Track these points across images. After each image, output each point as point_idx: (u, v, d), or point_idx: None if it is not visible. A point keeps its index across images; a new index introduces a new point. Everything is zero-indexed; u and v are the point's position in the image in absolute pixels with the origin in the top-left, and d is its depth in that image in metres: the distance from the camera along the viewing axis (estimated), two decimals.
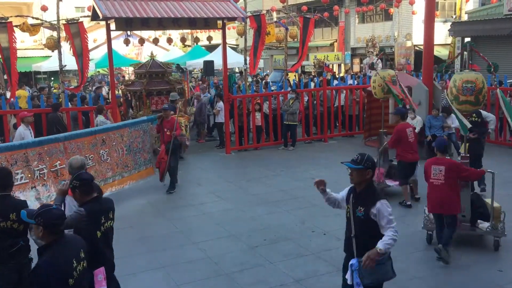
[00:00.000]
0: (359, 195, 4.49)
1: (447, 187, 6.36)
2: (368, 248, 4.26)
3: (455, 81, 7.25)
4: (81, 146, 8.69)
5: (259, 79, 21.41)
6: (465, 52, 22.66)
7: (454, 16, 26.41)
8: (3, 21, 11.95)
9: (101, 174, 9.04)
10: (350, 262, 4.43)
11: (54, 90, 19.95)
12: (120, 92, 17.31)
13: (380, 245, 4.20)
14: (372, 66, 11.22)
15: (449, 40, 25.18)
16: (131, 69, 33.45)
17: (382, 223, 4.33)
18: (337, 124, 15.87)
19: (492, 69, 9.58)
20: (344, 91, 15.50)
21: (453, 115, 12.13)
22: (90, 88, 21.65)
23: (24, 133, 10.21)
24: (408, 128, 8.88)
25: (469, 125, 7.25)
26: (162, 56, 24.86)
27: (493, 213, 6.78)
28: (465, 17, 24.48)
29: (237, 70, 22.43)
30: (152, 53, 14.33)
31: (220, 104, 14.01)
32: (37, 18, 14.37)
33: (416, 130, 11.94)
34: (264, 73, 28.50)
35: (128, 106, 15.05)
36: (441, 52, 26.33)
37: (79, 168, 5.23)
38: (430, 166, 6.53)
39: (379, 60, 22.09)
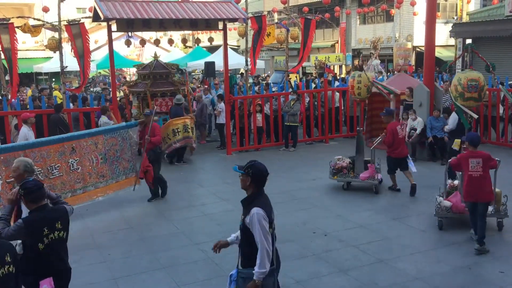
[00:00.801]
0: (243, 203, 4.36)
1: (485, 177, 6.90)
2: (250, 259, 4.13)
3: (460, 79, 7.80)
4: (45, 155, 8.00)
5: (259, 80, 21.42)
6: (465, 53, 22.70)
7: (455, 17, 26.42)
8: (5, 22, 11.97)
9: (69, 185, 8.38)
10: (231, 272, 4.33)
11: (55, 92, 19.93)
12: (122, 93, 17.33)
13: (255, 275, 4.01)
14: (361, 68, 11.13)
15: (451, 41, 25.19)
16: (132, 70, 33.59)
17: (254, 235, 4.08)
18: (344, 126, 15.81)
19: (490, 69, 9.77)
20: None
21: (454, 115, 12.19)
22: (91, 89, 21.65)
23: (28, 134, 10.23)
24: (397, 126, 9.59)
25: (475, 116, 8.21)
26: (163, 57, 24.80)
27: (495, 197, 7.29)
28: (466, 19, 24.47)
29: (242, 70, 22.43)
30: (155, 54, 14.11)
31: (221, 105, 14.01)
32: (38, 19, 14.39)
33: (417, 131, 11.97)
34: (265, 74, 28.51)
35: (121, 108, 14.76)
36: (442, 53, 26.34)
37: (25, 173, 5.02)
38: (467, 160, 6.93)
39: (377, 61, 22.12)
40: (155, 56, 13.88)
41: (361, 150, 10.02)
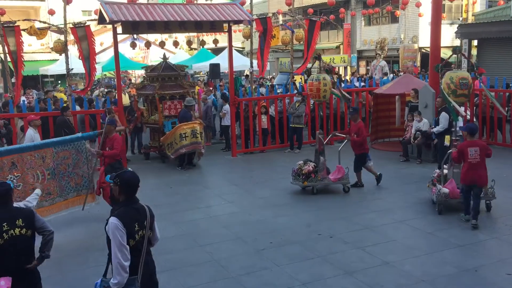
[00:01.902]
0: (111, 211, 4.32)
1: (482, 164, 7.79)
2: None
3: (452, 78, 8.54)
4: None
5: (262, 82, 21.40)
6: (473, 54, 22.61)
7: (460, 18, 26.34)
8: (11, 25, 12.04)
9: None
10: (96, 281, 4.28)
11: (60, 94, 20.01)
12: (126, 95, 17.35)
13: (111, 285, 4.02)
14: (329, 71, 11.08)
15: (456, 42, 25.09)
16: (137, 72, 33.69)
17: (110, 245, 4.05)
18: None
19: (474, 69, 10.33)
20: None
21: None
22: (96, 91, 21.75)
23: (34, 136, 10.28)
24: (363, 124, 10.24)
25: (463, 114, 8.95)
26: (169, 59, 24.90)
27: None
28: (472, 19, 24.40)
29: (247, 72, 22.47)
30: (164, 55, 13.71)
31: (226, 106, 14.02)
32: (44, 22, 14.46)
33: (435, 128, 11.97)
34: (270, 76, 28.51)
35: (131, 111, 14.66)
36: (447, 54, 26.20)
37: None
38: (466, 148, 7.75)
39: (384, 62, 22.09)
40: (164, 58, 13.52)
41: (322, 152, 10.00)
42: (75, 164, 8.34)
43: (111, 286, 3.99)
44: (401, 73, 19.54)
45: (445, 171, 8.82)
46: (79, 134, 8.86)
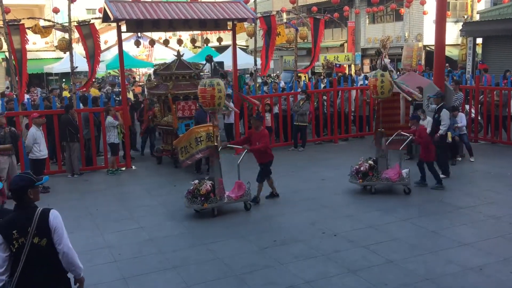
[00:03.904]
0: None
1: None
2: None
3: (383, 75, 9.58)
4: None
5: (266, 81, 21.39)
6: (478, 52, 22.52)
7: (465, 16, 26.22)
8: (16, 23, 12.07)
9: None
10: None
11: (65, 93, 20.10)
12: (131, 93, 17.37)
13: None
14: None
15: (461, 40, 25.02)
16: (141, 70, 33.74)
17: None
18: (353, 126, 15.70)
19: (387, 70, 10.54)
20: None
21: (461, 114, 12.11)
22: (103, 90, 21.79)
23: (36, 134, 10.35)
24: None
25: (419, 95, 10.59)
26: (172, 57, 24.93)
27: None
28: (476, 17, 24.29)
29: (251, 70, 22.47)
30: (178, 52, 12.97)
31: (230, 104, 13.96)
32: (49, 20, 14.48)
33: (428, 131, 11.88)
34: (275, 74, 28.49)
35: (132, 110, 14.30)
36: (452, 52, 26.15)
37: None
38: (425, 132, 9.85)
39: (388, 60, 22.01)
40: (178, 55, 12.78)
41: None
42: None
43: None
44: (403, 72, 19.48)
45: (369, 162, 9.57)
46: None
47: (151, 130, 13.58)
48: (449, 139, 10.70)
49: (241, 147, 9.39)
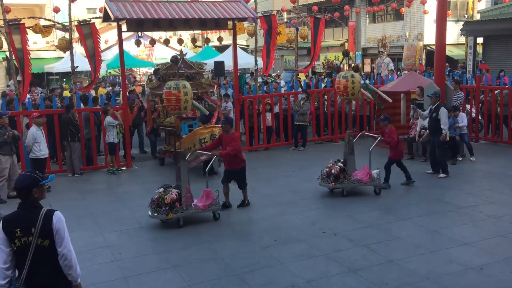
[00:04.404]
0: None
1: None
2: None
3: (353, 77, 9.40)
4: None
5: (267, 80, 21.38)
6: (479, 52, 22.49)
7: (466, 16, 26.22)
8: (16, 22, 12.07)
9: None
10: None
11: (66, 92, 20.12)
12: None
13: None
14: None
15: (462, 39, 25.00)
16: (142, 70, 33.74)
17: None
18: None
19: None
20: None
21: (462, 113, 12.09)
22: (107, 89, 21.80)
23: (36, 134, 10.34)
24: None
25: (390, 100, 11.28)
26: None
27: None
28: (477, 17, 24.29)
29: (252, 69, 22.48)
30: (181, 52, 12.70)
31: (229, 104, 13.99)
32: (49, 20, 14.49)
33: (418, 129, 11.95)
34: (275, 74, 28.49)
35: (140, 111, 14.04)
36: (453, 51, 26.15)
37: None
38: (396, 133, 9.89)
39: (389, 59, 22.01)
40: (181, 54, 12.51)
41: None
42: None
43: None
44: (404, 72, 19.47)
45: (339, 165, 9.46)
46: None
47: (156, 130, 13.44)
48: (447, 138, 10.72)
49: (210, 153, 8.82)
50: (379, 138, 9.86)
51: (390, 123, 10.17)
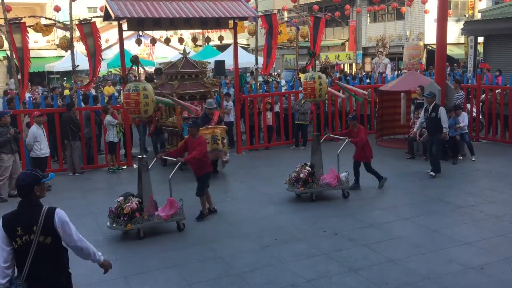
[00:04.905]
0: None
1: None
2: None
3: (321, 78, 9.18)
4: None
5: (267, 79, 21.37)
6: (479, 52, 22.46)
7: (467, 15, 26.19)
8: (17, 21, 12.07)
9: None
10: None
11: (67, 91, 20.13)
12: None
13: None
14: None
15: (463, 39, 24.98)
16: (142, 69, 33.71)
17: None
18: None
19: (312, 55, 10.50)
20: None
21: (463, 113, 12.07)
22: (102, 88, 21.80)
23: (37, 133, 10.35)
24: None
25: (365, 92, 11.35)
26: (174, 56, 24.96)
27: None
28: (478, 16, 24.25)
29: (252, 69, 22.48)
30: (185, 50, 12.51)
31: (230, 103, 13.99)
32: (50, 19, 14.50)
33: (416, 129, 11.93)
34: (275, 73, 28.47)
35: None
36: (454, 51, 26.13)
37: None
38: (366, 133, 9.74)
39: (387, 59, 21.99)
40: (184, 53, 12.36)
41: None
42: None
43: None
44: (405, 71, 19.48)
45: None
46: None
47: (159, 131, 13.14)
48: (447, 137, 10.74)
49: (175, 158, 8.33)
50: (346, 140, 9.53)
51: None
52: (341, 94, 11.12)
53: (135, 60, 7.87)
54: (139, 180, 7.88)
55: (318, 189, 9.12)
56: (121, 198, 7.74)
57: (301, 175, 9.05)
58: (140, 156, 7.91)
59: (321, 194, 9.30)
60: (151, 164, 8.25)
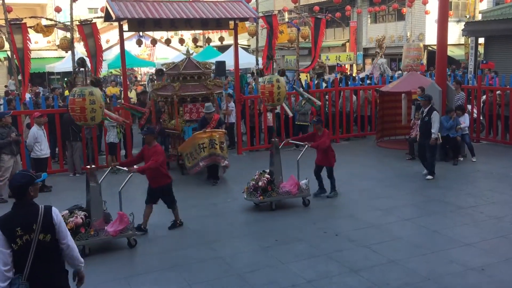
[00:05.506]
0: None
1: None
2: None
3: (279, 81, 8.84)
4: None
5: None
6: (480, 52, 22.45)
7: (467, 16, 26.19)
8: (18, 22, 12.08)
9: None
10: None
11: (66, 92, 20.11)
12: (133, 92, 17.33)
13: None
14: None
15: (463, 40, 24.99)
16: (143, 69, 33.75)
17: None
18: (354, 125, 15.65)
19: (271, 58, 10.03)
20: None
21: (465, 114, 12.07)
22: (103, 89, 21.79)
23: (37, 133, 10.35)
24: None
25: (318, 103, 11.64)
26: (174, 57, 24.98)
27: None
28: (479, 17, 24.25)
29: (253, 69, 22.47)
30: (188, 51, 12.21)
31: (231, 104, 13.99)
32: (50, 19, 14.54)
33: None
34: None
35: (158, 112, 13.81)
36: (454, 52, 26.12)
37: None
38: (329, 138, 9.52)
39: (383, 60, 21.96)
40: (187, 54, 12.01)
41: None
42: None
43: None
44: (403, 72, 19.45)
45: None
46: None
47: (164, 133, 12.53)
48: (440, 140, 10.62)
49: (126, 169, 7.83)
50: (306, 145, 9.18)
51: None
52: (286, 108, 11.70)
53: (83, 62, 7.25)
54: (87, 191, 7.28)
55: (277, 197, 8.74)
56: (66, 212, 7.09)
57: (260, 183, 8.65)
58: (89, 167, 7.31)
59: (280, 202, 8.91)
60: (103, 176, 7.80)
